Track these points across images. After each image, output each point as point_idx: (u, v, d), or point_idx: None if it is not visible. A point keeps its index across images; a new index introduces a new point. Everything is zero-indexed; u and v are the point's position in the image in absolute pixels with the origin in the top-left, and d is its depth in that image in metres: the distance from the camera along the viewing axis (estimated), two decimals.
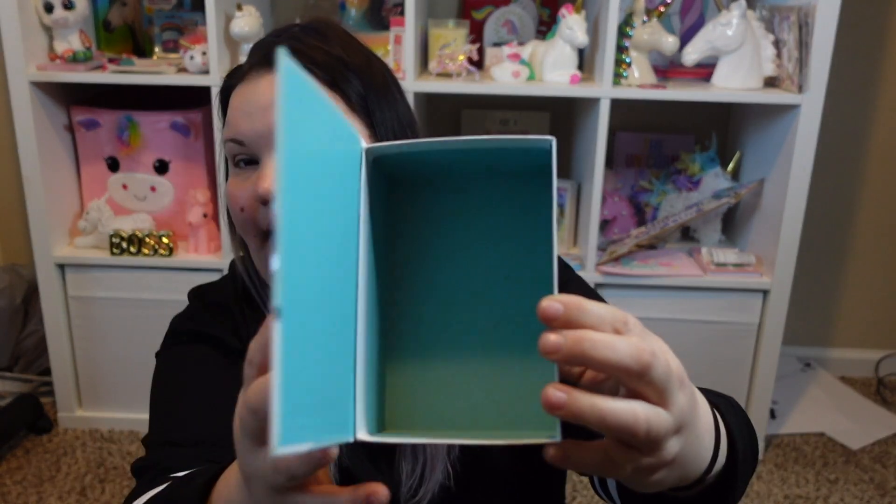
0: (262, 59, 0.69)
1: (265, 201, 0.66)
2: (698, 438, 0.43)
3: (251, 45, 0.74)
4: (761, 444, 1.92)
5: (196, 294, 0.84)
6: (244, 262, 0.77)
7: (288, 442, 0.31)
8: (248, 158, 0.69)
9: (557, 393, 0.36)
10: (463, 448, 0.74)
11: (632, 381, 0.38)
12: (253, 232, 0.69)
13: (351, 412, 0.40)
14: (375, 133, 0.70)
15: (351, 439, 0.40)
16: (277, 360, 0.30)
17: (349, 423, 0.40)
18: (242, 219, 0.69)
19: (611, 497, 0.62)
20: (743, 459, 0.51)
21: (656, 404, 0.38)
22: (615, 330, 0.38)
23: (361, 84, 0.69)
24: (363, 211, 0.42)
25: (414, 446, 0.73)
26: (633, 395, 0.39)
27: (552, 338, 0.37)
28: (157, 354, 0.81)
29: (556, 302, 0.37)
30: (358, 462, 0.76)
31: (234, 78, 0.71)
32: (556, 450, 0.39)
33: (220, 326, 0.78)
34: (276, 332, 0.30)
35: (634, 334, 0.39)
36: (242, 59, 1.70)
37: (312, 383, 0.34)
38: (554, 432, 0.39)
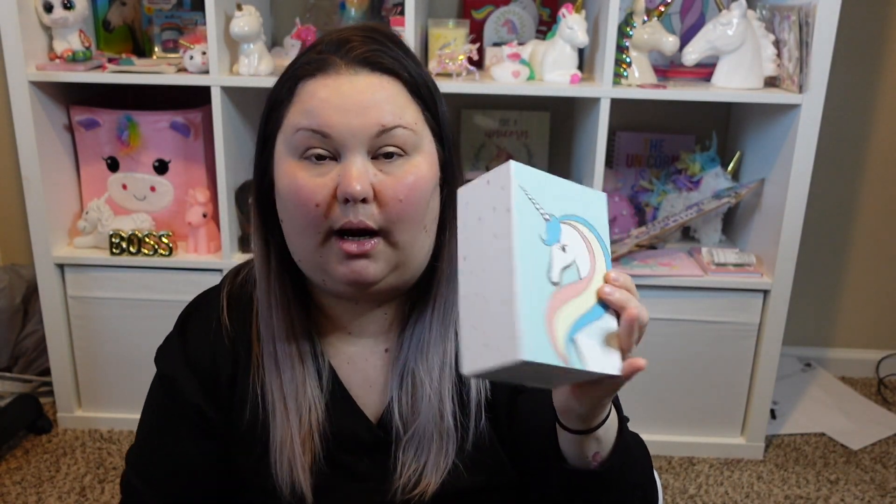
0: (356, 57, 0.68)
1: (348, 200, 0.65)
2: (606, 406, 0.65)
3: (324, 36, 0.72)
4: (762, 444, 1.92)
5: (181, 329, 0.82)
6: (266, 256, 0.75)
7: None
8: (324, 153, 0.67)
9: (609, 288, 0.58)
10: (467, 448, 0.75)
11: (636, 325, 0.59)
12: (318, 229, 0.67)
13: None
14: (444, 143, 0.73)
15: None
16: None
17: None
18: (314, 214, 0.67)
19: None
20: (628, 452, 0.70)
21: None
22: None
23: (438, 101, 0.73)
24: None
25: (417, 439, 0.74)
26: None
27: (609, 289, 0.58)
28: (157, 360, 0.82)
29: (608, 287, 0.59)
30: (352, 454, 0.77)
31: (315, 67, 0.69)
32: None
33: (195, 378, 0.78)
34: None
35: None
36: (243, 59, 1.71)
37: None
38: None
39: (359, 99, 0.66)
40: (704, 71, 1.80)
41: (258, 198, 0.74)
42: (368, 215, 0.66)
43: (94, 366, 1.94)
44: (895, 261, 2.29)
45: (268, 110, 0.72)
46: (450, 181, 0.74)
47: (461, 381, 0.75)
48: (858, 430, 2.04)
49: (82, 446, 1.91)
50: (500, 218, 0.54)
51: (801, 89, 1.66)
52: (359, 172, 0.66)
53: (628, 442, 0.70)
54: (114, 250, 1.82)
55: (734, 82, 1.70)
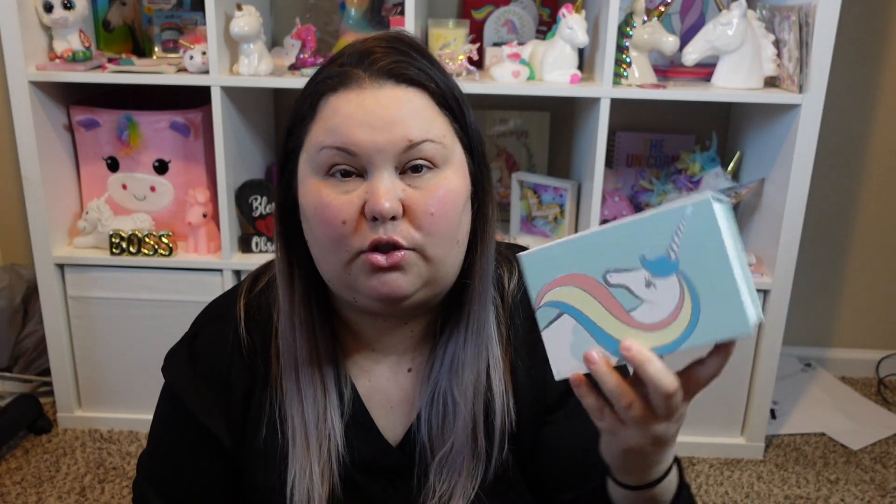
0: (380, 70, 0.65)
1: (376, 219, 0.63)
2: (670, 451, 0.62)
3: (346, 48, 0.70)
4: (762, 444, 1.92)
5: (190, 344, 0.80)
6: (290, 276, 0.73)
7: None
8: (351, 170, 0.65)
9: (596, 355, 0.55)
10: (489, 476, 0.74)
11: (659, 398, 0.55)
12: (345, 247, 0.65)
13: None
14: (473, 155, 0.71)
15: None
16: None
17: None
18: (341, 232, 0.65)
19: None
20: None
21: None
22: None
23: (466, 111, 0.71)
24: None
25: (451, 461, 0.73)
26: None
27: (632, 343, 0.55)
28: (164, 370, 0.81)
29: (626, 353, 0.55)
30: (372, 479, 0.75)
31: (338, 81, 0.66)
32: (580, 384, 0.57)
33: (206, 396, 0.77)
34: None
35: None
36: (243, 59, 1.71)
37: None
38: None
39: (384, 114, 0.64)
40: (704, 71, 1.80)
41: (281, 218, 0.72)
42: (398, 232, 0.64)
43: (94, 366, 1.94)
44: (895, 261, 2.29)
45: (290, 127, 0.70)
46: (480, 194, 0.72)
47: (487, 408, 0.73)
48: (858, 430, 2.04)
49: (82, 446, 1.91)
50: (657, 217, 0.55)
51: (801, 89, 1.66)
52: (387, 189, 0.63)
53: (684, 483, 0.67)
54: (114, 250, 1.82)
55: (734, 82, 1.70)
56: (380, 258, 0.64)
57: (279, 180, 0.72)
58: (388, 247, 0.64)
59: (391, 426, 0.76)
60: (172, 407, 0.79)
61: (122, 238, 1.81)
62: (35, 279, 1.87)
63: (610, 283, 0.55)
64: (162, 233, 1.82)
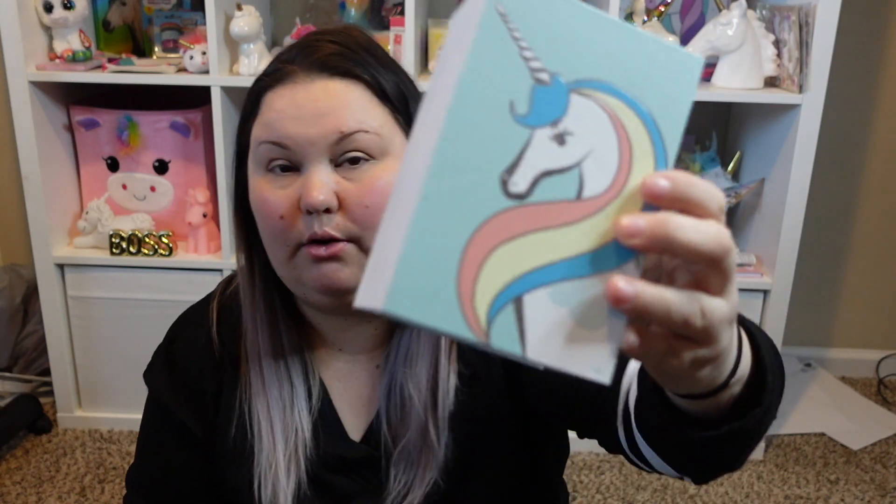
0: (314, 63, 0.65)
1: (311, 212, 0.63)
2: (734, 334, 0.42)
3: (284, 47, 0.70)
4: (761, 444, 1.92)
5: (168, 351, 0.80)
6: (251, 273, 0.73)
7: None
8: (288, 165, 0.65)
9: (624, 284, 0.34)
10: (455, 454, 0.73)
11: (706, 267, 0.36)
12: (285, 241, 0.66)
13: None
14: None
15: None
16: None
17: None
18: (279, 227, 0.65)
19: (644, 460, 0.59)
20: (770, 369, 0.51)
21: (716, 294, 0.37)
22: (714, 213, 0.36)
23: (405, 83, 0.69)
24: None
25: (407, 452, 0.72)
26: (695, 283, 0.37)
27: (633, 219, 0.35)
28: (144, 377, 0.81)
29: (664, 178, 0.36)
30: (339, 474, 0.76)
31: (274, 78, 0.67)
32: (635, 336, 0.36)
33: (185, 398, 0.77)
34: None
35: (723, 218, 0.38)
36: (243, 59, 1.71)
37: None
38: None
39: (314, 106, 0.64)
40: (705, 71, 1.80)
41: (239, 215, 0.73)
42: (334, 225, 0.64)
43: (94, 366, 1.94)
44: (895, 261, 2.29)
45: (238, 125, 0.71)
46: None
47: (435, 395, 0.73)
48: (858, 430, 2.04)
49: (82, 446, 1.91)
50: (447, 65, 0.36)
51: (800, 89, 1.66)
52: (320, 182, 0.63)
53: (766, 363, 0.50)
54: (114, 250, 1.82)
55: (734, 82, 1.70)
56: (319, 249, 0.64)
57: (236, 178, 0.72)
58: (329, 240, 0.64)
59: (357, 422, 0.77)
60: (155, 413, 0.80)
61: (122, 238, 1.81)
62: (35, 279, 1.87)
63: (517, 190, 0.35)
64: (162, 233, 1.82)
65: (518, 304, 0.35)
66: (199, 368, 0.77)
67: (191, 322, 0.80)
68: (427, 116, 0.36)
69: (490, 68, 0.34)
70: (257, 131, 0.67)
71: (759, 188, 1.86)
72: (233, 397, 0.75)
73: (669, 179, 0.35)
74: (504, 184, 0.35)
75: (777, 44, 1.72)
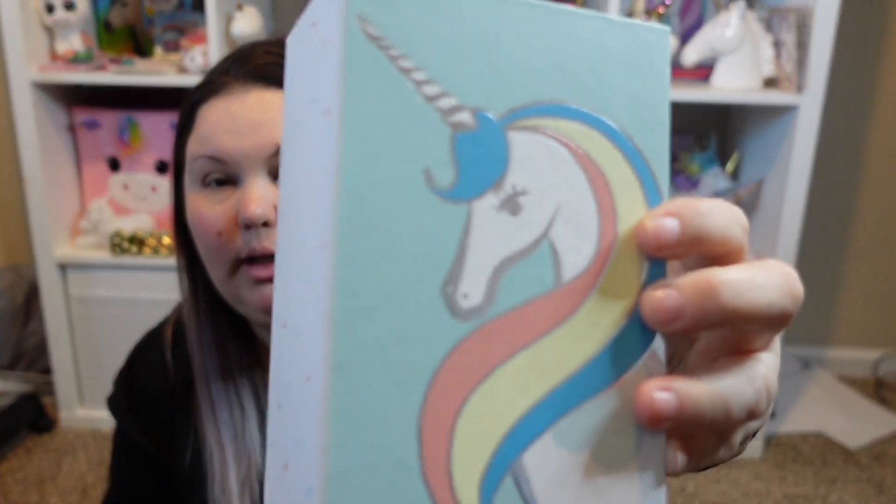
0: (248, 73, 0.62)
1: (249, 226, 0.60)
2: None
3: (224, 57, 0.67)
4: (760, 441, 1.93)
5: (124, 382, 0.79)
6: (195, 295, 0.70)
7: None
8: (224, 178, 0.62)
9: (660, 397, 0.24)
10: None
11: (773, 327, 0.26)
12: (224, 258, 0.62)
13: None
14: None
15: None
16: None
17: None
18: (217, 243, 0.62)
19: None
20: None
21: (762, 347, 0.28)
22: (742, 241, 0.27)
23: None
24: None
25: None
26: (740, 340, 0.27)
27: (663, 297, 0.25)
28: (108, 404, 0.79)
29: (667, 216, 0.25)
30: None
31: (209, 90, 0.64)
32: (682, 456, 0.27)
33: (145, 422, 0.76)
34: None
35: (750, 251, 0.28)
36: None
37: None
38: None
39: (249, 117, 0.61)
40: (703, 72, 1.81)
41: (180, 234, 0.70)
42: (273, 240, 0.60)
43: (96, 365, 1.95)
44: (893, 260, 2.30)
45: (175, 140, 0.68)
46: None
47: None
48: (856, 429, 2.05)
49: (84, 445, 1.92)
50: (305, 141, 0.25)
51: (799, 90, 1.66)
52: (258, 195, 0.59)
53: None
54: (115, 250, 1.83)
55: (733, 83, 1.71)
56: (260, 271, 0.61)
57: (175, 196, 0.70)
58: (268, 258, 0.61)
59: None
60: (121, 442, 0.79)
61: (123, 238, 1.82)
62: (37, 279, 1.88)
63: (472, 304, 0.24)
64: (163, 233, 1.83)
65: (517, 472, 0.24)
66: (155, 393, 0.75)
67: (147, 346, 0.79)
68: (300, 231, 0.24)
69: (380, 131, 0.23)
70: (192, 146, 0.64)
71: (758, 188, 1.87)
72: (187, 423, 0.73)
73: (675, 215, 0.25)
74: (450, 301, 0.23)
75: (776, 44, 1.73)
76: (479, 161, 0.24)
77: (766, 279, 0.25)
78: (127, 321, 1.89)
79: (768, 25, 1.76)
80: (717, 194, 1.88)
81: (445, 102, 0.24)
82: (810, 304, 2.32)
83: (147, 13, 2.00)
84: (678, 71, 1.86)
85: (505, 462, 0.24)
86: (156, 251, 1.83)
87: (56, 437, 1.95)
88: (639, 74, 0.27)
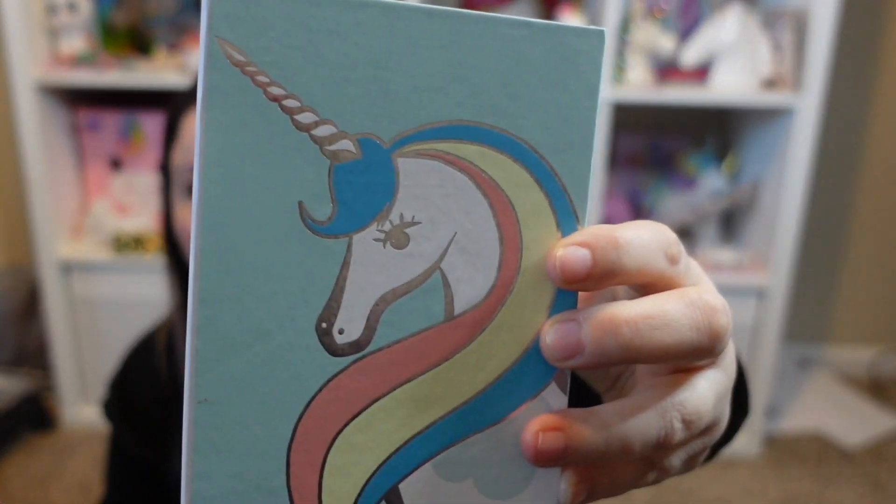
0: None
1: None
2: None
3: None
4: (757, 439, 1.94)
5: (117, 389, 0.78)
6: (184, 307, 0.71)
7: None
8: None
9: (544, 439, 0.23)
10: None
11: (689, 361, 0.25)
12: None
13: None
14: None
15: None
16: None
17: None
18: None
19: None
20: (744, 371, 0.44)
21: (705, 366, 0.27)
22: (664, 269, 0.25)
23: None
24: None
25: None
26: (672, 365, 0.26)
27: (564, 332, 0.23)
28: (102, 409, 0.79)
29: (578, 248, 0.23)
30: None
31: (190, 99, 0.63)
32: (579, 488, 0.25)
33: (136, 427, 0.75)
34: None
35: (686, 270, 0.26)
36: None
37: None
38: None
39: None
40: (702, 73, 1.82)
41: (170, 246, 0.70)
42: None
43: (99, 365, 1.96)
44: (891, 258, 2.31)
45: (162, 154, 0.68)
46: None
47: None
48: (854, 428, 2.06)
49: (86, 444, 1.93)
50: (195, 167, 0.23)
51: (797, 91, 1.68)
52: None
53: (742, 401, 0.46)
54: (117, 250, 1.84)
55: (731, 84, 1.72)
56: None
57: (164, 208, 0.70)
58: None
59: None
60: (114, 448, 0.79)
61: (125, 238, 1.83)
62: (39, 279, 1.89)
63: (349, 339, 0.23)
64: None
65: (394, 499, 0.24)
66: (147, 399, 0.75)
67: (140, 350, 0.79)
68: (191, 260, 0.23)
69: (248, 163, 0.22)
70: (177, 157, 0.64)
71: (756, 188, 1.88)
72: (179, 428, 0.73)
73: (587, 245, 0.23)
74: (324, 336, 0.23)
75: (774, 46, 1.74)
76: (361, 191, 0.22)
77: (677, 315, 0.24)
78: (128, 321, 1.90)
79: (766, 27, 1.77)
80: (716, 194, 1.89)
81: (323, 130, 0.22)
82: (808, 303, 2.33)
83: (150, 14, 2.01)
84: (676, 72, 1.87)
85: (378, 490, 0.24)
86: (158, 251, 1.84)
87: (58, 436, 1.96)
88: (561, 86, 0.24)
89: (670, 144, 2.10)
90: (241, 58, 0.21)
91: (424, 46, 0.22)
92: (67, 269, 1.89)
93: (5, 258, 2.32)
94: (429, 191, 0.23)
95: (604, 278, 0.23)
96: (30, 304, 2.14)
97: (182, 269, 0.70)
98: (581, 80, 0.24)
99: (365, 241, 0.23)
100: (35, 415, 1.96)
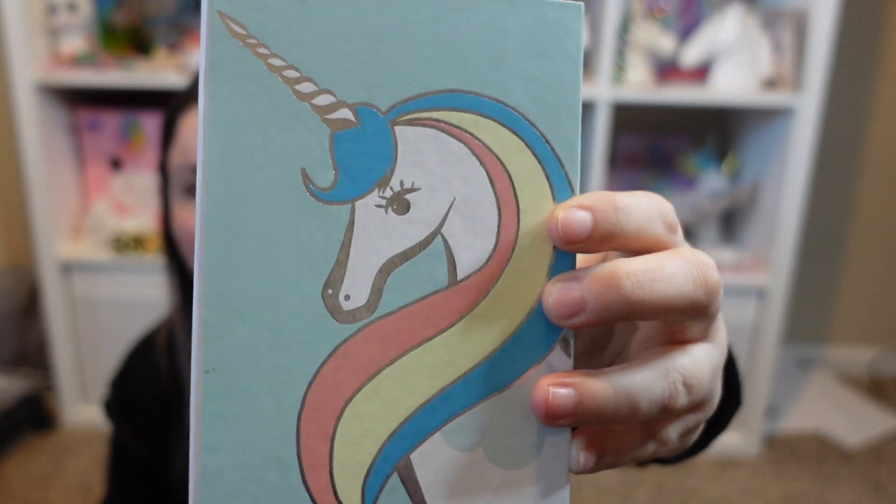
0: None
1: None
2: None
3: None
4: (758, 439, 1.94)
5: (118, 388, 0.78)
6: (185, 308, 0.71)
7: None
8: None
9: (557, 393, 0.23)
10: None
11: (685, 318, 0.25)
12: None
13: None
14: None
15: None
16: None
17: None
18: None
19: None
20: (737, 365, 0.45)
21: (698, 339, 0.27)
22: (662, 235, 0.26)
23: None
24: None
25: None
26: (665, 334, 0.27)
27: (565, 290, 0.24)
28: (103, 409, 0.79)
29: (579, 209, 0.24)
30: None
31: (187, 99, 0.63)
32: (588, 455, 0.26)
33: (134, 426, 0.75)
34: None
35: (680, 237, 0.27)
36: None
37: None
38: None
39: None
40: (702, 73, 1.82)
41: (170, 248, 0.70)
42: None
43: (99, 365, 1.96)
44: (891, 258, 2.31)
45: (160, 155, 0.69)
46: None
47: None
48: (854, 428, 2.06)
49: (86, 444, 1.93)
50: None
51: (797, 91, 1.68)
52: None
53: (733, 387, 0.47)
54: (117, 251, 1.84)
55: (731, 84, 1.72)
56: None
57: (163, 209, 0.70)
58: None
59: None
60: (116, 447, 0.79)
61: (125, 238, 1.83)
62: (39, 279, 1.89)
63: (355, 305, 0.23)
64: None
65: (405, 470, 0.23)
66: (148, 399, 0.76)
67: (141, 350, 0.79)
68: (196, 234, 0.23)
69: (250, 132, 0.22)
70: (175, 157, 0.64)
71: (756, 188, 1.88)
72: (180, 427, 0.74)
73: (588, 208, 0.24)
74: (331, 303, 0.23)
75: (774, 46, 1.74)
76: (361, 159, 0.23)
77: (675, 269, 0.24)
78: (128, 320, 1.90)
79: (766, 27, 1.77)
80: (716, 194, 1.89)
81: (322, 100, 0.23)
82: (808, 303, 2.33)
83: (150, 14, 2.01)
84: (676, 72, 1.87)
85: (390, 461, 0.23)
86: (158, 251, 1.84)
87: (58, 436, 1.96)
88: (545, 56, 0.25)
89: (670, 144, 2.10)
90: (241, 31, 0.22)
91: (413, 20, 0.23)
92: (67, 269, 1.89)
93: (5, 258, 2.32)
94: (427, 157, 0.24)
95: (604, 240, 0.24)
96: (30, 304, 2.14)
97: (181, 270, 0.70)
98: (562, 51, 0.25)
99: (367, 207, 0.23)
100: (35, 415, 1.96)
